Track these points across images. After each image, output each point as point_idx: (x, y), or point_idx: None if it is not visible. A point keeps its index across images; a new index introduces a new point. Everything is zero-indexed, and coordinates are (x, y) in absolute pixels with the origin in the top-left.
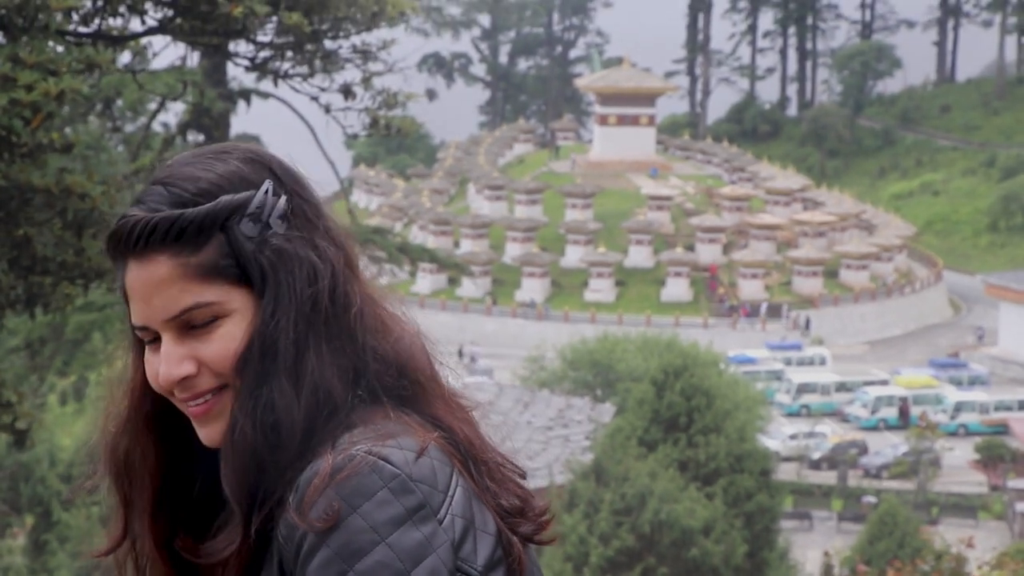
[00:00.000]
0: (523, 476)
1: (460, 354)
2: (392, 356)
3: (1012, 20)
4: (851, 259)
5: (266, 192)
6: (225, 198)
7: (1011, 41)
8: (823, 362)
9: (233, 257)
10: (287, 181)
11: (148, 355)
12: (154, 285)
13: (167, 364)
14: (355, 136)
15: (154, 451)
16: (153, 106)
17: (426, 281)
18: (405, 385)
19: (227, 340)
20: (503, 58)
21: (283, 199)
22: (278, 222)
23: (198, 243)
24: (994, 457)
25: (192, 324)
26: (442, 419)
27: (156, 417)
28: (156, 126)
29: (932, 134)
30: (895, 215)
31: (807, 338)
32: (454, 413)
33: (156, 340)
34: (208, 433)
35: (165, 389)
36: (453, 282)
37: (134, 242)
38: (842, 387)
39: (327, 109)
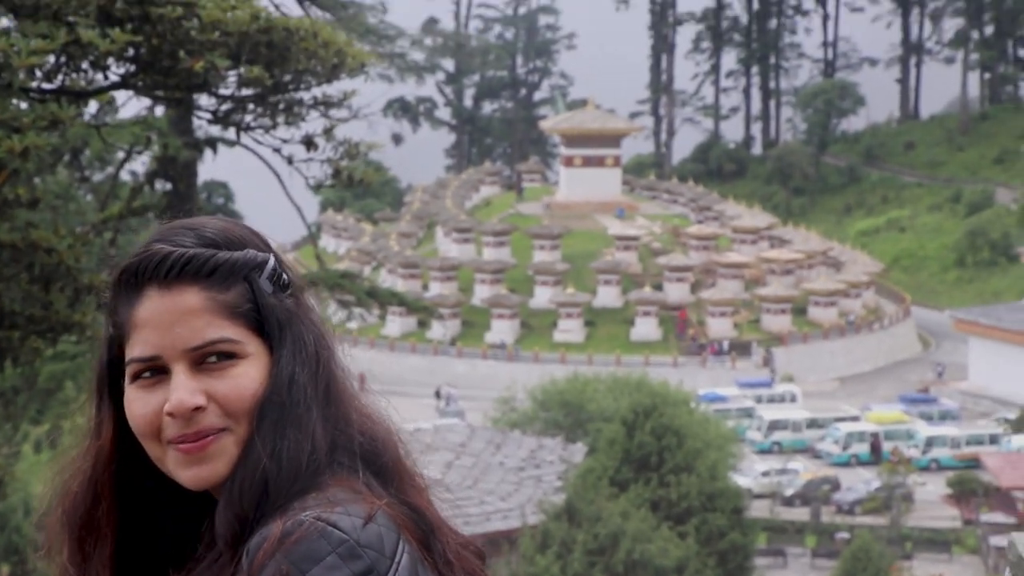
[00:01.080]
0: (482, 559)
1: (437, 395)
2: (373, 434)
3: (974, 56)
4: (819, 296)
5: (276, 262)
6: (251, 251)
7: (974, 77)
8: (793, 399)
9: (254, 304)
10: (285, 264)
11: (136, 392)
12: (181, 314)
13: (182, 392)
14: (318, 187)
15: (116, 509)
16: (121, 155)
17: (395, 324)
18: (383, 463)
19: (244, 380)
20: (468, 101)
21: (285, 275)
22: (287, 290)
23: (226, 284)
24: (966, 491)
25: (206, 360)
26: (412, 498)
27: (121, 474)
28: (124, 175)
29: (897, 171)
30: (862, 252)
31: (775, 375)
32: (421, 495)
33: (154, 375)
34: (198, 473)
35: (178, 415)
36: (423, 325)
37: (166, 271)
38: (813, 423)
39: (289, 160)
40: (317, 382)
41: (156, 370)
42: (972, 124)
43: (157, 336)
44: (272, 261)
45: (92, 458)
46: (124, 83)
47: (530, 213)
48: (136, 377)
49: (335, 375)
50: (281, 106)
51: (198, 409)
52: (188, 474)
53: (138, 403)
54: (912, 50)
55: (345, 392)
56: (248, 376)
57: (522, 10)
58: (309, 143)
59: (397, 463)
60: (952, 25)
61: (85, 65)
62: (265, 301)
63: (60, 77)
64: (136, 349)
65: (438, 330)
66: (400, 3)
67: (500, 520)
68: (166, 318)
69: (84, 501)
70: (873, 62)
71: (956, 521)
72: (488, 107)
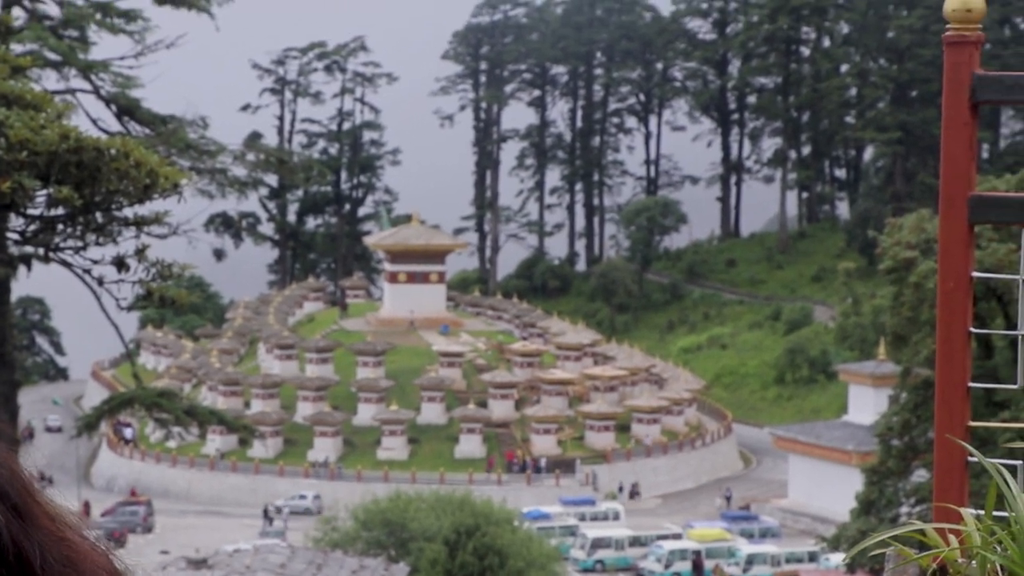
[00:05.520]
0: None
1: (265, 514)
2: None
3: (792, 176)
4: (642, 413)
5: None
6: None
7: (792, 196)
8: (617, 517)
9: None
10: None
11: None
12: None
13: None
14: (130, 308)
15: None
16: None
17: (216, 443)
18: None
19: None
20: (292, 216)
21: None
22: None
23: None
24: None
25: None
26: None
27: None
28: None
29: (719, 288)
30: (684, 369)
31: (635, 499)
32: None
33: None
34: None
35: None
36: (244, 443)
37: None
38: (636, 541)
39: (100, 282)
40: None
41: None
42: (791, 242)
43: None
44: None
45: None
46: None
47: (354, 329)
48: None
49: (15, 563)
50: (93, 226)
51: None
52: None
53: None
54: (732, 169)
55: (40, 568)
56: None
57: (346, 126)
58: (120, 264)
59: None
60: (771, 145)
61: None
62: None
63: None
64: None
65: (260, 448)
66: (222, 118)
67: None
68: None
69: None
70: (695, 180)
71: None
72: (312, 222)
